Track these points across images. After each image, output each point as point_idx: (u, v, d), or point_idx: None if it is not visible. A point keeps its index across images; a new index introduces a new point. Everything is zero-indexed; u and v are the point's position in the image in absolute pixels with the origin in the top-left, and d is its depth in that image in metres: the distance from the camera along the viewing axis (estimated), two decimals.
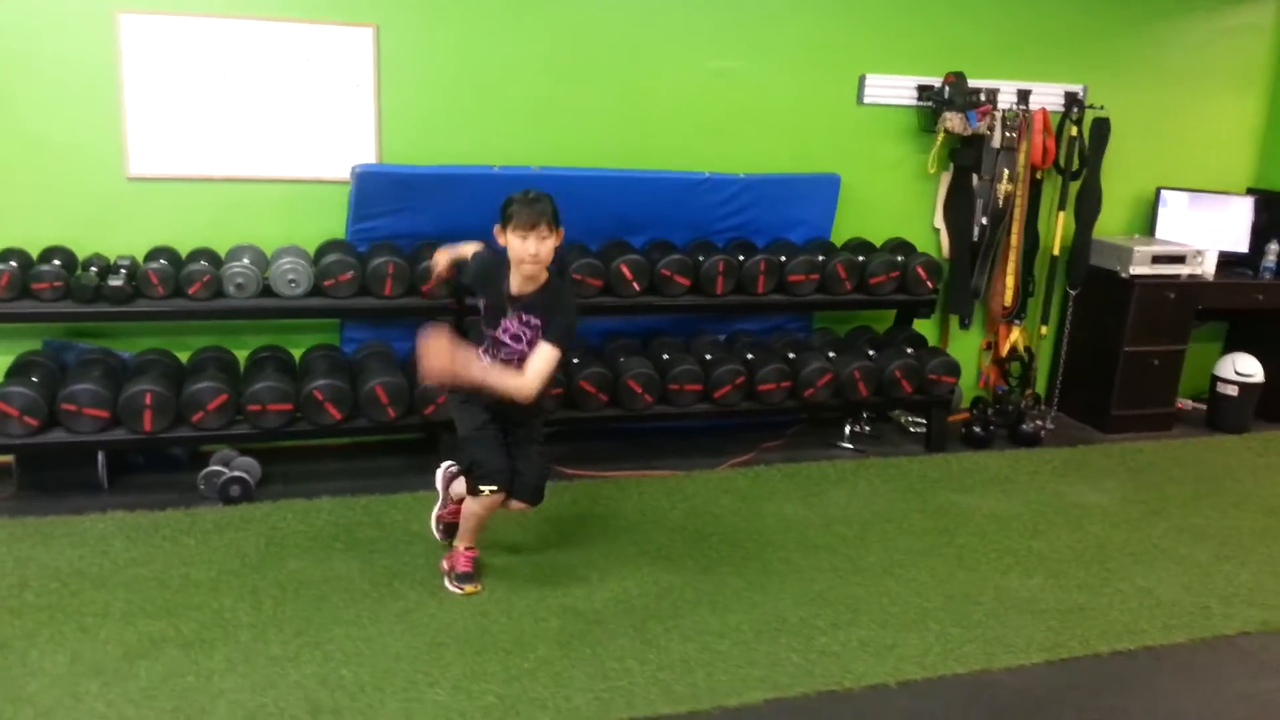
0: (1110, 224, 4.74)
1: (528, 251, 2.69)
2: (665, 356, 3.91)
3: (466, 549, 2.96)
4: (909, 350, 4.24)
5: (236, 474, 3.42)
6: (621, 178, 3.95)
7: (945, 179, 4.50)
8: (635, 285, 3.84)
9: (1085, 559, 3.33)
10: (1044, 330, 4.74)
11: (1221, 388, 4.67)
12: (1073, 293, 4.69)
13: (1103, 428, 4.56)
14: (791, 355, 4.05)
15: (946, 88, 4.25)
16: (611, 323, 4.15)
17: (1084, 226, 4.58)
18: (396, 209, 3.76)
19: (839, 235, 4.39)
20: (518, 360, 2.80)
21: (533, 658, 2.59)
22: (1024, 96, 4.45)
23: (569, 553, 3.17)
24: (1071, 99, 4.51)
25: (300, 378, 3.51)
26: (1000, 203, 4.46)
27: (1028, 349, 4.72)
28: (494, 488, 2.80)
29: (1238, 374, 4.63)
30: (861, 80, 4.28)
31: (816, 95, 4.26)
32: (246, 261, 3.53)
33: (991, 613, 2.95)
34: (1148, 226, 4.77)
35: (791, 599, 2.96)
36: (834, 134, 4.31)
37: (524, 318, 2.79)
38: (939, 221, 4.55)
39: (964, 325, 4.69)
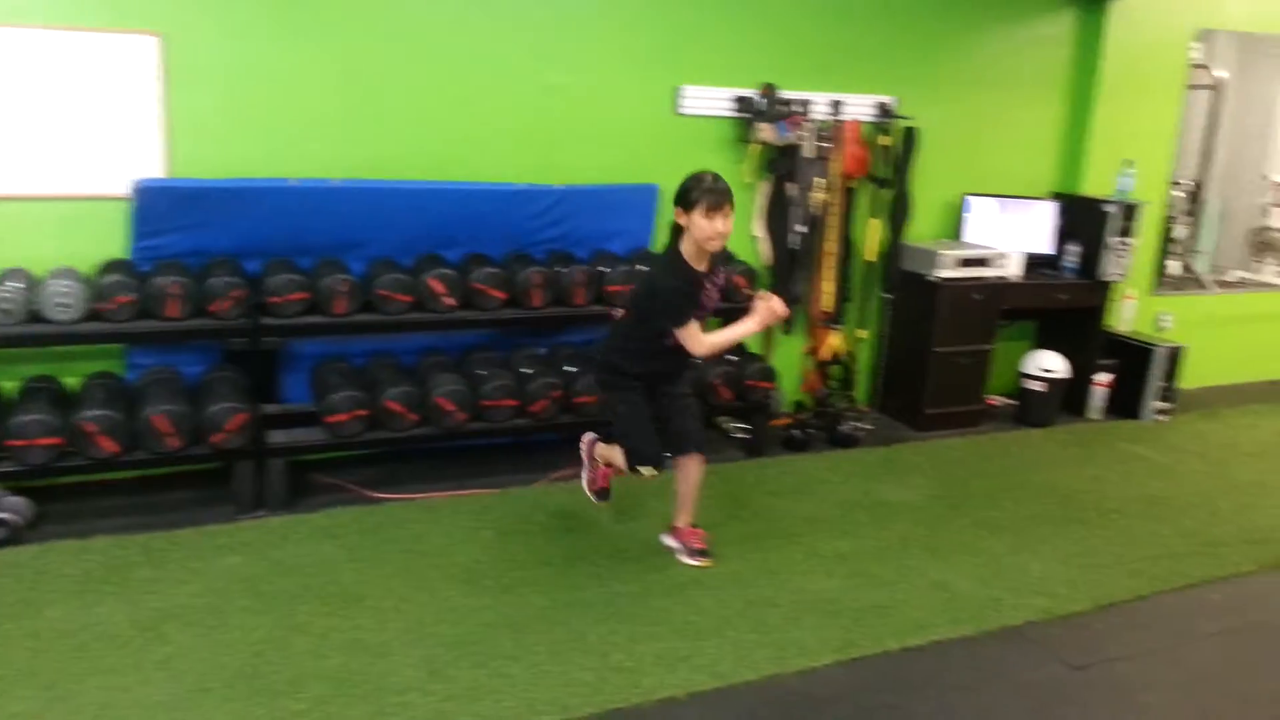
0: (922, 229, 4.92)
1: (716, 229, 2.98)
2: (480, 372, 3.83)
3: (693, 527, 3.33)
4: (734, 357, 4.30)
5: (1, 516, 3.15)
6: (432, 190, 3.85)
7: (763, 188, 4.58)
8: (448, 300, 3.74)
9: (886, 556, 3.42)
10: (862, 334, 4.89)
11: (1028, 384, 4.91)
12: (887, 297, 4.86)
13: (916, 426, 4.72)
14: None
15: (760, 99, 4.33)
16: (427, 339, 4.03)
17: (896, 233, 4.74)
18: (185, 225, 3.55)
19: (661, 245, 4.40)
20: (712, 309, 3.20)
21: (306, 698, 2.46)
22: (837, 107, 4.57)
23: (364, 582, 3.04)
24: (883, 109, 4.67)
25: (73, 408, 3.27)
26: (815, 211, 4.57)
27: (848, 352, 4.86)
28: (652, 469, 3.19)
29: (1042, 370, 4.88)
30: (678, 91, 4.32)
31: (634, 106, 4.27)
32: (9, 285, 3.26)
33: (789, 615, 2.98)
34: (957, 231, 4.98)
35: (595, 616, 2.92)
36: (652, 145, 4.32)
37: (715, 282, 3.16)
38: (759, 230, 4.63)
39: (787, 331, 4.79)
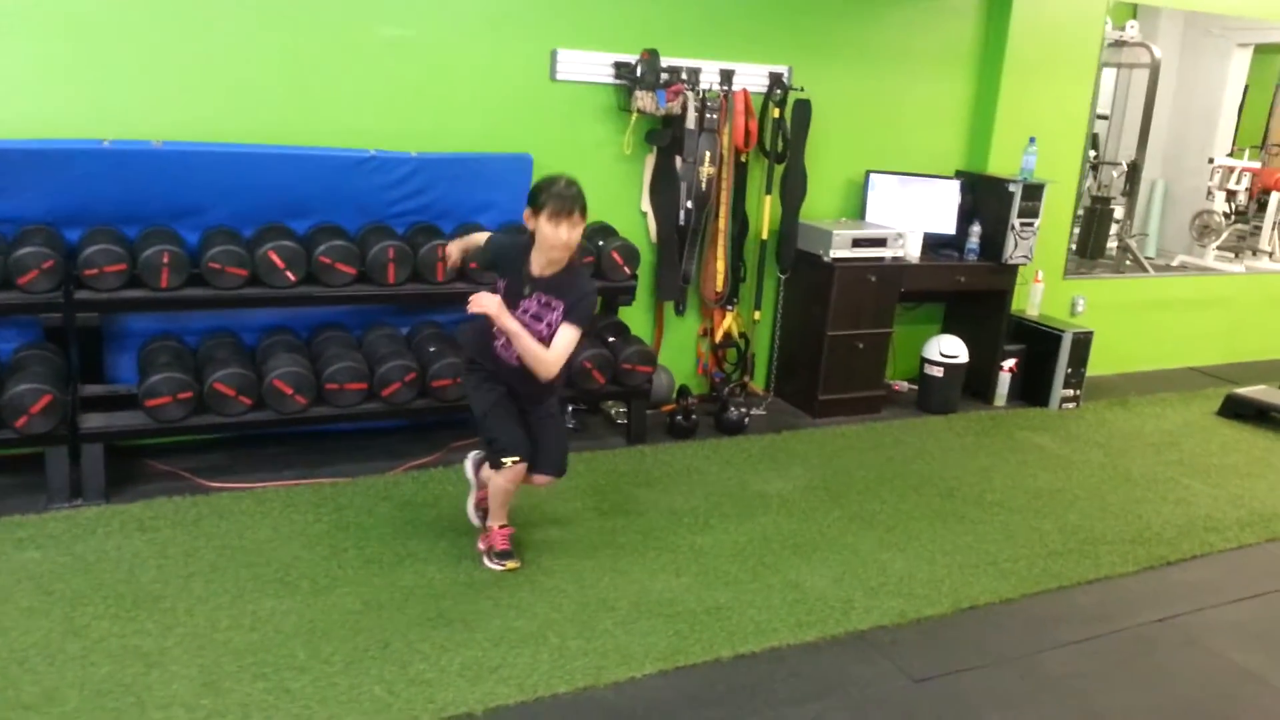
0: (822, 207, 4.71)
1: (560, 239, 2.78)
2: (326, 353, 3.58)
3: (501, 527, 3.06)
4: (610, 339, 4.08)
5: None
6: (267, 154, 3.55)
7: (650, 161, 4.33)
8: (289, 275, 3.48)
9: (745, 553, 3.22)
10: (757, 315, 4.67)
11: (929, 369, 4.73)
12: (783, 277, 4.65)
13: (813, 413, 4.53)
14: None
15: (639, 65, 4.08)
16: (274, 316, 3.76)
17: (790, 210, 4.52)
18: None
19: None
20: (537, 339, 2.85)
21: (54, 714, 2.22)
22: (727, 77, 4.32)
23: (164, 581, 2.79)
24: (776, 80, 4.43)
25: None
26: (704, 186, 4.33)
27: (743, 335, 4.65)
28: (514, 458, 2.92)
29: (943, 355, 4.69)
30: (554, 55, 4.04)
31: (505, 70, 3.99)
32: None
33: (623, 619, 2.77)
34: (859, 210, 4.77)
35: (408, 621, 2.70)
36: (526, 112, 4.05)
37: (543, 299, 2.87)
38: (646, 205, 4.39)
39: (679, 311, 4.56)
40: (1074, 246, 7.33)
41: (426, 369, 3.63)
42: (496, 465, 2.95)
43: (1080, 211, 7.38)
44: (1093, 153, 7.91)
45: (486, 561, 3.04)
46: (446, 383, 3.64)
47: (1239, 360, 6.14)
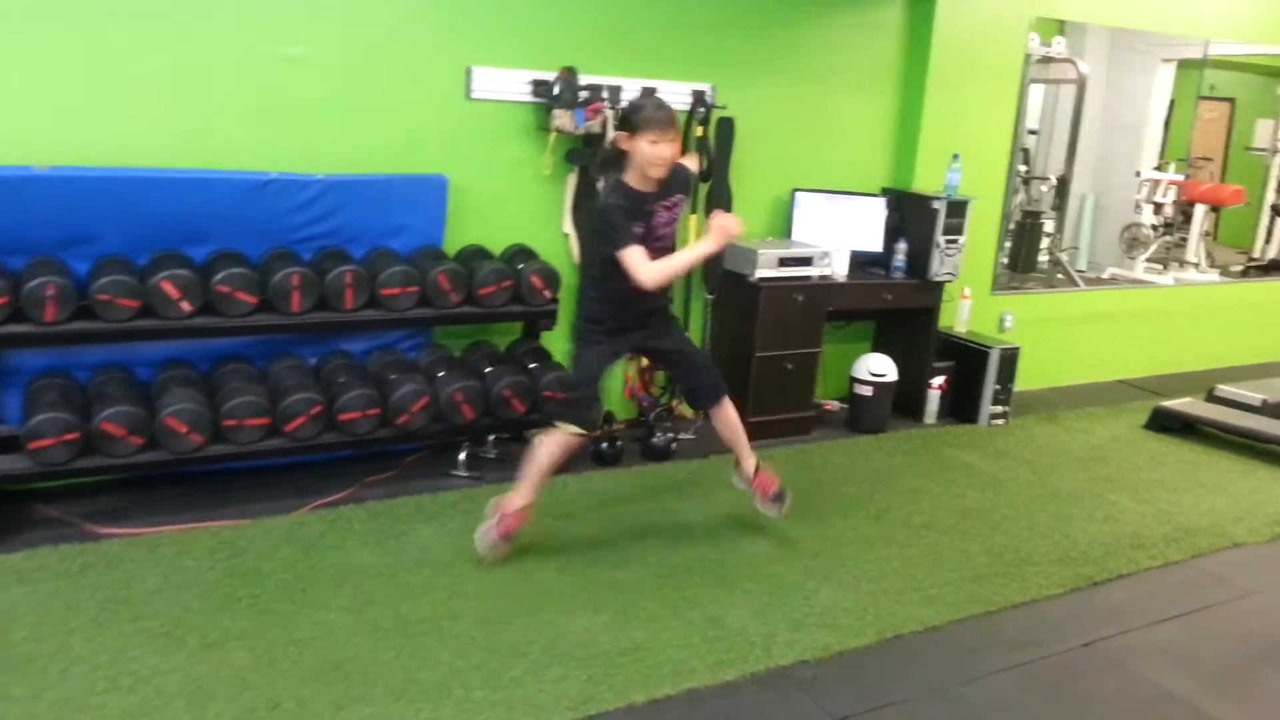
0: (749, 227, 4.61)
1: (661, 155, 2.96)
2: (226, 387, 3.41)
3: (522, 506, 3.15)
4: (531, 365, 3.96)
5: None
6: (162, 179, 3.38)
7: (571, 181, 4.23)
8: (185, 305, 3.30)
9: (666, 587, 3.11)
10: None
11: (858, 389, 4.68)
12: (710, 298, 4.57)
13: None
14: (394, 376, 3.65)
15: (557, 83, 3.98)
16: (170, 349, 3.57)
17: None
18: None
19: (458, 242, 4.03)
20: (671, 236, 3.15)
21: None
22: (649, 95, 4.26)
23: (40, 639, 2.59)
24: (699, 98, 4.37)
25: None
26: None
27: None
28: (580, 430, 3.13)
29: (871, 374, 4.65)
30: (469, 73, 3.93)
31: (417, 88, 3.85)
32: None
33: (534, 666, 2.64)
34: (786, 228, 4.72)
35: (305, 674, 2.54)
36: (440, 131, 3.92)
37: (666, 204, 3.09)
38: (568, 226, 4.28)
39: None
40: (1006, 261, 7.46)
41: (334, 401, 3.48)
42: (561, 422, 3.13)
43: (1012, 226, 7.52)
44: (1024, 168, 8.02)
45: (481, 535, 3.13)
46: (355, 415, 3.48)
47: (1168, 372, 6.21)
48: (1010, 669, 2.82)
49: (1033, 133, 8.22)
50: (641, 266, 2.97)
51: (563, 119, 3.94)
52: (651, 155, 2.94)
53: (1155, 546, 3.63)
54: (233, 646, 2.65)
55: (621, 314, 3.16)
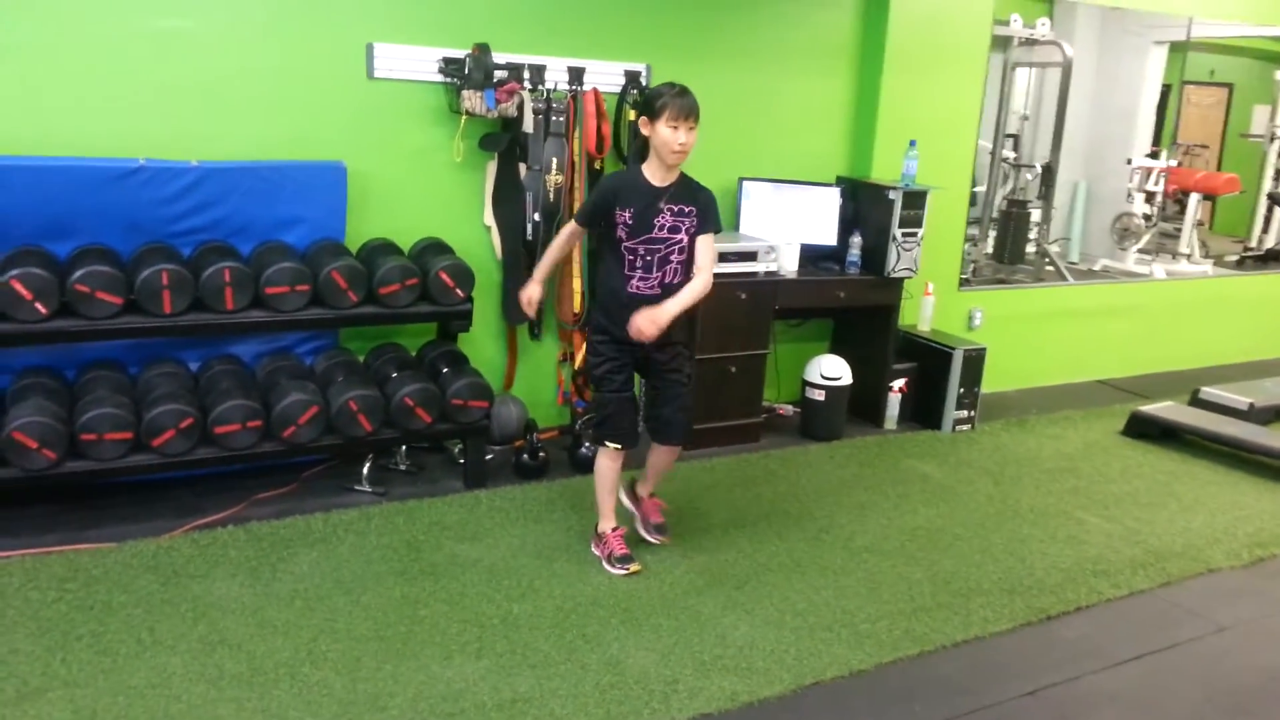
0: None
1: (678, 141, 2.89)
2: (87, 397, 3.07)
3: (613, 530, 3.15)
4: (443, 370, 3.63)
5: None
6: (13, 167, 3.04)
7: (491, 169, 3.88)
8: (39, 307, 2.97)
9: (565, 623, 2.78)
10: None
11: (810, 393, 4.33)
12: None
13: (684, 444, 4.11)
14: (281, 384, 3.32)
15: (468, 62, 3.63)
16: (30, 355, 3.24)
17: None
18: None
19: (363, 235, 3.69)
20: (677, 251, 3.00)
21: None
22: (577, 75, 3.90)
23: None
24: (632, 79, 4.01)
25: None
26: (553, 196, 3.90)
27: None
28: (618, 445, 3.10)
29: (824, 377, 4.30)
30: (369, 50, 3.58)
31: (312, 67, 3.51)
32: None
33: None
34: (732, 220, 4.36)
35: None
36: (338, 114, 3.58)
37: (675, 208, 2.98)
38: (489, 218, 3.94)
39: (534, 336, 4.13)
40: (990, 252, 7.10)
41: (209, 412, 3.15)
42: (602, 443, 3.12)
43: (995, 216, 7.16)
44: (1013, 154, 7.65)
45: (608, 567, 3.10)
46: (233, 428, 3.15)
47: (1152, 371, 5.85)
48: None
49: (1025, 118, 7.87)
50: (559, 236, 3.12)
51: (472, 101, 3.59)
52: (670, 140, 2.88)
53: (1121, 573, 3.29)
54: (53, 697, 2.32)
55: (616, 318, 3.01)
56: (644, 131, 2.96)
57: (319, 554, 3.06)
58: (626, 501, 3.37)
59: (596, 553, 3.17)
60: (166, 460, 3.12)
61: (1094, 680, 2.70)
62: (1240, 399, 4.93)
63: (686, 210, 2.98)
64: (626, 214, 2.95)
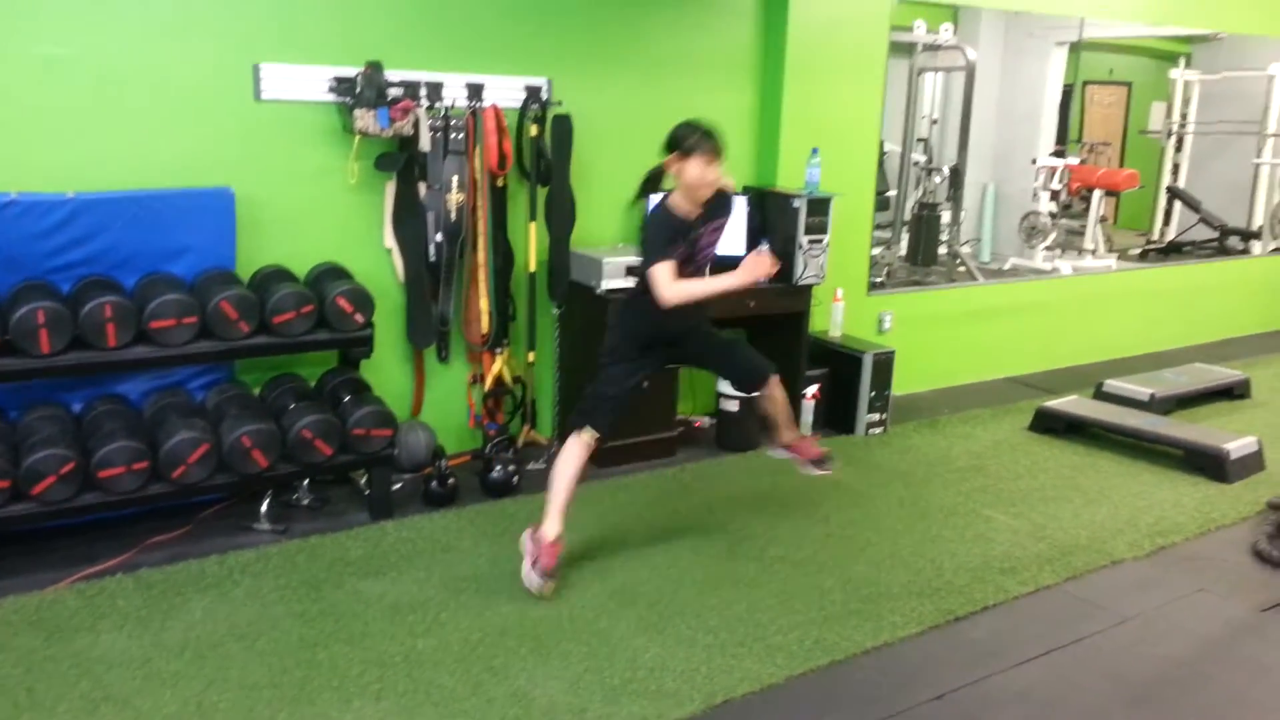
0: (598, 234, 4.25)
1: (711, 177, 3.02)
2: None
3: (554, 540, 3.09)
4: (344, 399, 3.53)
5: None
6: None
7: (390, 190, 3.80)
8: None
9: (472, 657, 2.71)
10: (531, 357, 4.17)
11: (724, 404, 4.33)
12: (557, 311, 4.19)
13: (598, 461, 4.05)
14: (169, 422, 3.18)
15: (359, 81, 3.55)
16: None
17: (558, 238, 4.05)
18: None
19: (256, 263, 3.56)
20: (711, 258, 3.22)
21: None
22: (475, 92, 3.84)
23: None
24: (533, 94, 3.97)
25: None
26: (454, 216, 3.83)
27: (517, 379, 4.16)
28: (598, 435, 3.15)
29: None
30: (256, 71, 3.47)
31: (196, 90, 3.38)
32: None
33: None
34: (639, 234, 4.35)
35: None
36: (225, 138, 3.45)
37: (710, 227, 3.15)
38: (390, 240, 3.85)
39: (442, 358, 4.04)
40: (903, 255, 7.22)
41: (91, 455, 3.00)
42: (579, 428, 3.14)
43: (908, 219, 7.29)
44: (923, 158, 7.81)
45: (527, 569, 3.06)
46: (118, 471, 3.01)
47: (1060, 366, 5.99)
48: None
49: (935, 122, 8.04)
50: (666, 283, 3.01)
51: (365, 120, 3.50)
52: (703, 177, 2.99)
53: (1027, 570, 3.34)
54: None
55: (658, 331, 3.20)
56: (671, 169, 3.06)
57: (212, 599, 2.94)
58: (784, 455, 3.55)
59: (525, 550, 3.09)
60: (48, 509, 2.97)
61: (1001, 679, 2.73)
62: (1142, 390, 5.08)
63: (719, 224, 3.18)
64: (680, 250, 3.08)
